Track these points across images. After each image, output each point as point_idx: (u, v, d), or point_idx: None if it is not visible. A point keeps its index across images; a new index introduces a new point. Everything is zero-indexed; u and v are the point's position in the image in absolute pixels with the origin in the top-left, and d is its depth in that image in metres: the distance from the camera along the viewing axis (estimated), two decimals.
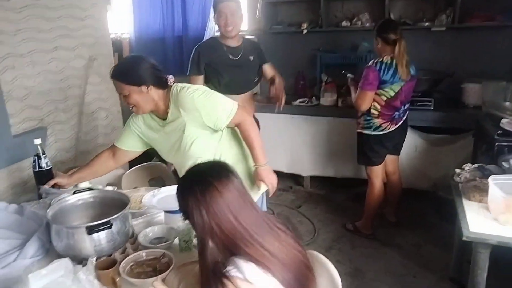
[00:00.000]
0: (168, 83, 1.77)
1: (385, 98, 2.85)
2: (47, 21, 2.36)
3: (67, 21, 2.49)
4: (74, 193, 1.72)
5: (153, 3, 4.44)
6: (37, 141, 1.95)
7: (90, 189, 1.78)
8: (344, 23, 3.95)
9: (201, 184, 1.16)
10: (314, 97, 3.96)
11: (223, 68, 2.58)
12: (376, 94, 2.84)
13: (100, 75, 2.77)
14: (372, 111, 2.91)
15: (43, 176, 1.99)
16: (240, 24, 2.57)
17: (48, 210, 1.54)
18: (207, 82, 2.66)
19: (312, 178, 4.00)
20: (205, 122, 1.76)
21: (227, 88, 2.57)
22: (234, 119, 1.79)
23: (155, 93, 1.71)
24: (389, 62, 2.77)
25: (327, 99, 3.85)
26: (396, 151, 3.15)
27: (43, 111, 2.37)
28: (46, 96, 2.38)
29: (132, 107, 1.73)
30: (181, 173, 1.99)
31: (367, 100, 2.83)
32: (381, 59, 2.79)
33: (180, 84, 1.78)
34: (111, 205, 1.67)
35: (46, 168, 1.99)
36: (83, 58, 2.63)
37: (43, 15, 2.33)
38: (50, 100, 2.41)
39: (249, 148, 1.88)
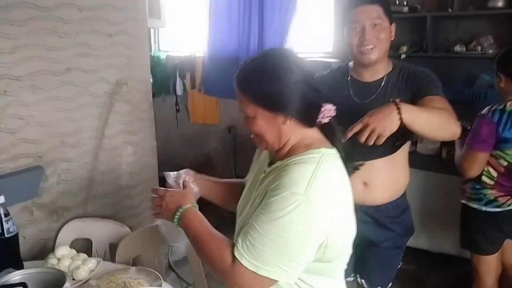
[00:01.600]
0: (318, 120, 1.13)
1: (505, 163, 1.94)
2: (59, 37, 1.92)
3: (88, 37, 2.04)
4: None
5: (230, 19, 3.99)
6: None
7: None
8: (457, 48, 3.04)
9: None
10: (409, 142, 3.08)
11: (338, 119, 1.45)
12: (491, 156, 1.95)
13: (130, 102, 2.29)
14: (484, 178, 2.01)
15: (1, 245, 1.51)
16: (385, 43, 1.60)
17: None
18: None
19: None
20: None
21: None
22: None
23: (292, 130, 1.10)
24: None
25: (427, 146, 2.96)
26: None
27: (43, 146, 1.92)
28: (49, 128, 1.94)
29: (253, 135, 1.15)
30: None
31: (477, 164, 1.94)
32: (501, 106, 1.91)
33: (326, 156, 1.07)
34: None
35: (8, 235, 1.50)
36: (107, 82, 2.16)
37: (54, 30, 1.90)
38: (54, 133, 1.97)
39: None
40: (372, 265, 1.72)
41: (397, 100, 1.36)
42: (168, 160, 4.90)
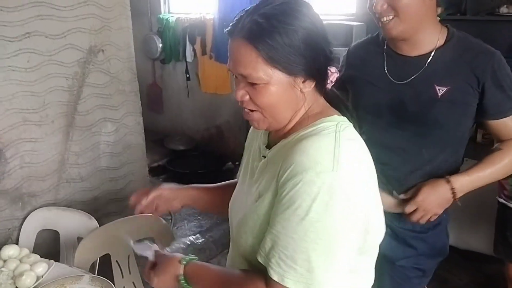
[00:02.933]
0: (325, 85, 0.89)
1: None
2: None
3: None
4: None
5: None
6: None
7: None
8: (503, 9, 2.56)
9: None
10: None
11: (367, 99, 1.31)
12: None
13: (108, 73, 1.99)
14: None
15: None
16: (410, 10, 1.16)
17: None
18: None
19: None
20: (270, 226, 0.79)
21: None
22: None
23: (305, 98, 0.85)
24: None
25: None
26: None
27: None
28: (6, 104, 1.67)
29: (251, 111, 0.86)
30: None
31: None
32: None
33: (342, 123, 0.83)
34: None
35: None
36: (78, 49, 1.86)
37: None
38: (14, 110, 1.70)
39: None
40: (385, 282, 1.35)
41: (449, 177, 1.23)
42: (179, 132, 4.66)
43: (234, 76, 0.85)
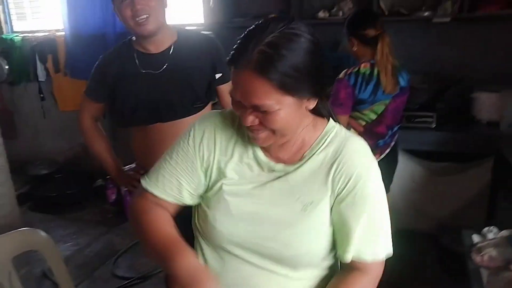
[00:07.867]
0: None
1: (363, 123, 2.03)
2: None
3: None
4: None
5: None
6: None
7: None
8: (321, 14, 3.11)
9: None
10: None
11: (129, 88, 1.63)
12: (351, 117, 2.02)
13: None
14: None
15: None
16: (160, 10, 1.56)
17: None
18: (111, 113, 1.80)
19: None
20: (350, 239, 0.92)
21: (135, 118, 1.67)
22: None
23: (310, 113, 0.95)
24: (368, 72, 1.95)
25: None
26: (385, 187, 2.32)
27: None
28: None
29: (260, 132, 0.88)
30: None
31: None
32: (356, 69, 1.97)
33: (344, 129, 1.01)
34: None
35: None
36: None
37: None
38: None
39: None
40: None
41: None
42: (39, 156, 4.41)
43: (234, 101, 0.87)
